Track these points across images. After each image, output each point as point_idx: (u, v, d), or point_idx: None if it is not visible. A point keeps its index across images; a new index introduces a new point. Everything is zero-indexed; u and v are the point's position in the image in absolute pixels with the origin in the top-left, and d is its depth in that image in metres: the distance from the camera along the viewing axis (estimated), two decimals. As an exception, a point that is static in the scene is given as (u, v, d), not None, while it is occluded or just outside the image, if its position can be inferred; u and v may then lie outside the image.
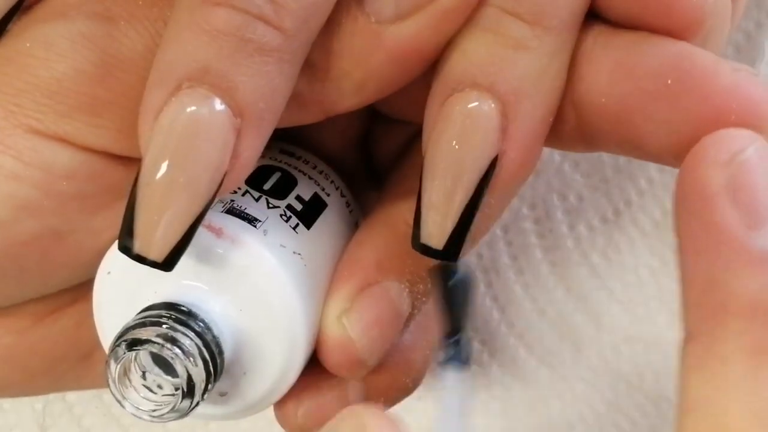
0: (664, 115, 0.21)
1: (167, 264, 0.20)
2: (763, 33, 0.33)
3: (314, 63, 0.21)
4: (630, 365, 0.35)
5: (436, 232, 0.21)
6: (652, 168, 0.34)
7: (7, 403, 0.36)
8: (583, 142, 0.23)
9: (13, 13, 0.22)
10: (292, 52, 0.20)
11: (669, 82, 0.20)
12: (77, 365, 0.26)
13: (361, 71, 0.21)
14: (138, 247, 0.20)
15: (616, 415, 0.36)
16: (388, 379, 0.26)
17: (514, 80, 0.21)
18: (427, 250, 0.22)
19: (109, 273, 0.23)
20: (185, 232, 0.20)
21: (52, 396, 0.35)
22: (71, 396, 0.35)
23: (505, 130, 0.21)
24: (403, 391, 0.27)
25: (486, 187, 0.21)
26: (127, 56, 0.21)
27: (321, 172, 0.26)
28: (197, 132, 0.19)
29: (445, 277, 0.22)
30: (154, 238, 0.20)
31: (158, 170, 0.20)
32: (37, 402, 0.35)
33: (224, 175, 0.20)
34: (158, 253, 0.20)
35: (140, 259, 0.20)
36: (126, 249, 0.20)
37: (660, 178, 0.34)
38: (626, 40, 0.21)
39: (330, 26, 0.21)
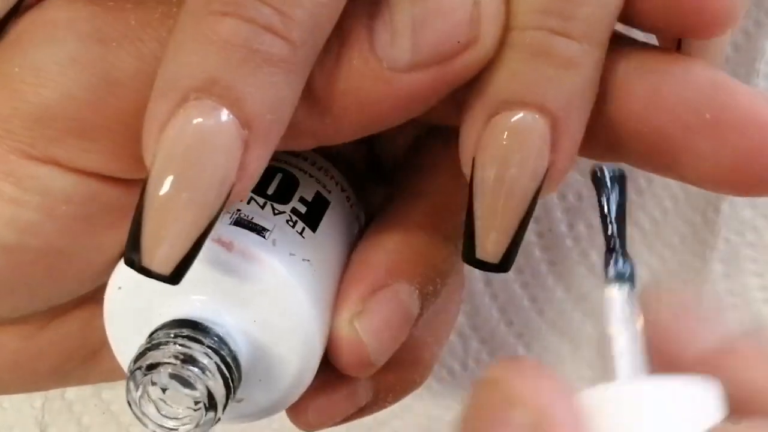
0: (703, 149, 0.21)
1: (174, 277, 0.20)
2: (762, 32, 0.33)
3: (317, 95, 0.21)
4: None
5: (493, 248, 0.21)
6: (651, 167, 0.34)
7: (7, 401, 0.36)
8: (610, 158, 0.22)
9: (11, 14, 0.22)
10: (298, 63, 0.19)
11: (707, 116, 0.20)
12: (83, 364, 0.26)
13: (365, 114, 0.21)
14: (144, 260, 0.20)
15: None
16: (397, 376, 0.26)
17: (563, 97, 0.20)
18: (482, 265, 0.22)
19: (119, 288, 0.23)
20: (192, 246, 0.20)
21: (51, 394, 0.35)
22: (70, 394, 0.35)
23: (555, 143, 0.21)
24: (411, 386, 0.27)
25: (538, 198, 0.21)
26: (119, 79, 0.21)
27: (320, 168, 0.26)
28: (204, 144, 0.19)
29: (604, 182, 0.21)
30: (160, 252, 0.19)
31: (164, 183, 0.19)
32: (35, 400, 0.35)
33: (231, 187, 0.19)
34: (164, 267, 0.20)
35: (146, 272, 0.20)
36: (132, 262, 0.20)
37: (659, 178, 0.34)
38: (658, 63, 0.21)
39: (339, 62, 0.20)
